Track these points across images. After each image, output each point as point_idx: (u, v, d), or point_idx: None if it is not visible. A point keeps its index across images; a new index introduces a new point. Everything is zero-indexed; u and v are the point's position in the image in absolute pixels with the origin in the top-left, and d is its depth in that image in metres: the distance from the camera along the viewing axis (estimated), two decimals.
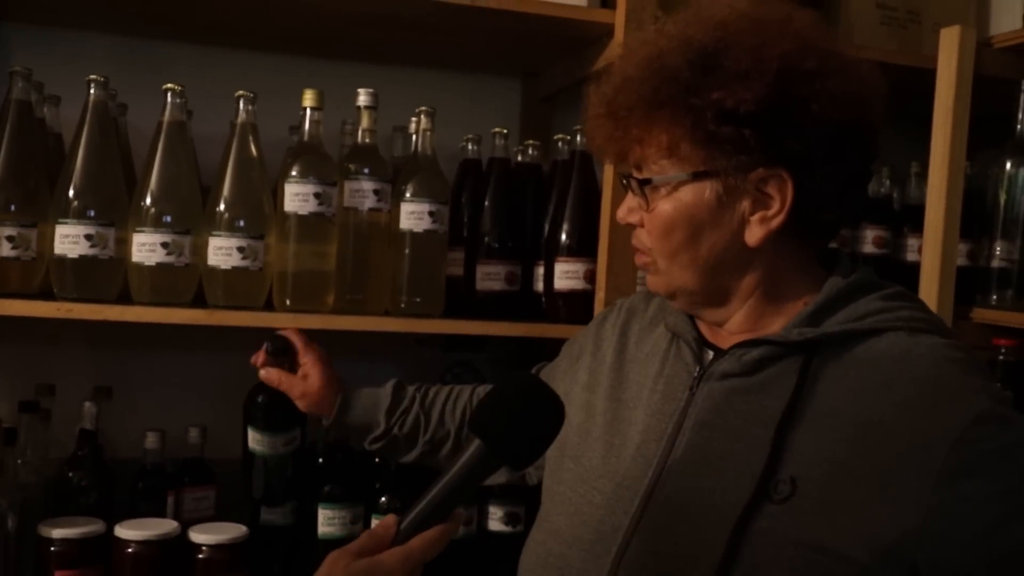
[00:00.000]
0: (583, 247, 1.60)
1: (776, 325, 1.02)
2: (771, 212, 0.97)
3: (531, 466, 1.03)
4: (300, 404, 1.40)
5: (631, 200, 1.04)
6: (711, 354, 1.04)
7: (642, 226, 1.03)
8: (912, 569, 0.86)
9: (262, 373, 1.40)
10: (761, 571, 0.89)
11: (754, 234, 0.98)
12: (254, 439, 1.45)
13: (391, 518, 0.90)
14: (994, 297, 1.62)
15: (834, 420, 0.93)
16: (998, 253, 1.63)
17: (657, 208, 1.00)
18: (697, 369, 1.03)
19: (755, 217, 0.98)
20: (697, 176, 0.97)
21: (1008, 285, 1.60)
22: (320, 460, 1.63)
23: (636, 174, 1.02)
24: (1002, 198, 1.62)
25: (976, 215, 1.68)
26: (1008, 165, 1.61)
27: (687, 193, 0.98)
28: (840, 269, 1.03)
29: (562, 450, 1.12)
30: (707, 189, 0.98)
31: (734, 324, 1.04)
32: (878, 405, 0.92)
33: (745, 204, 0.98)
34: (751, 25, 0.97)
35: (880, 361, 0.94)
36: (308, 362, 1.39)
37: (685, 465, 0.98)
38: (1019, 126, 1.61)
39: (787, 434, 0.93)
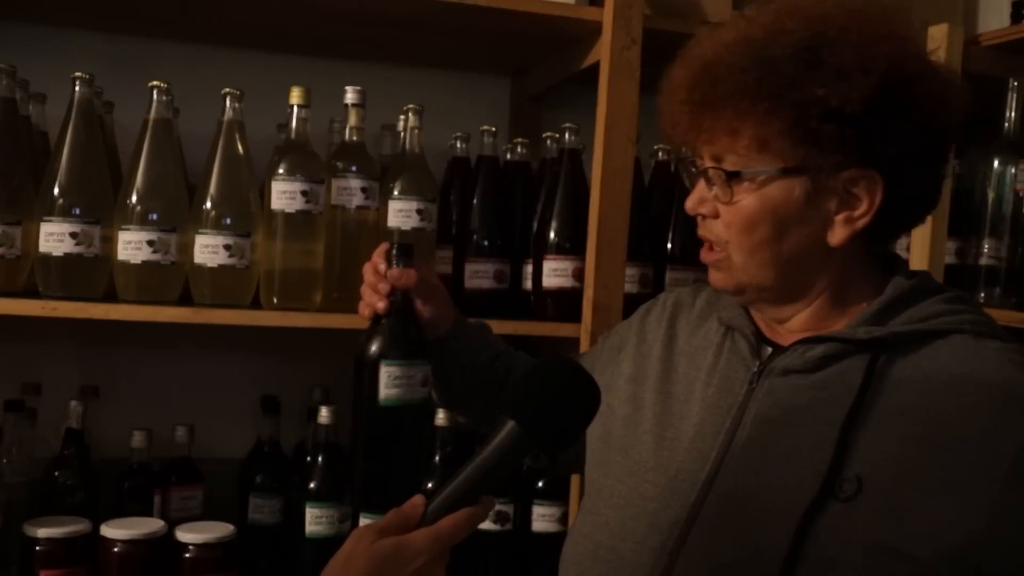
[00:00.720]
0: (571, 245, 1.60)
1: (838, 326, 1.01)
2: (857, 213, 0.97)
3: (563, 452, 1.00)
4: (428, 309, 1.24)
5: (703, 190, 1.01)
6: (769, 350, 1.03)
7: (715, 218, 1.01)
8: (976, 571, 0.87)
9: (396, 273, 1.20)
10: (826, 569, 0.89)
11: (837, 234, 0.98)
12: (391, 381, 1.16)
13: (419, 498, 0.88)
14: (982, 295, 1.62)
15: (901, 419, 0.92)
16: (986, 251, 1.64)
17: (742, 202, 0.97)
18: (756, 364, 1.02)
19: (840, 217, 0.97)
20: (787, 172, 0.96)
21: (996, 283, 1.61)
22: (308, 458, 1.62)
23: (715, 164, 0.98)
24: (990, 196, 1.62)
25: (964, 213, 1.68)
26: (996, 163, 1.61)
27: (776, 188, 0.96)
28: (901, 271, 1.03)
29: (607, 442, 1.11)
30: (796, 186, 0.96)
31: (797, 323, 1.03)
32: (945, 406, 0.92)
33: (832, 203, 0.97)
34: (853, 22, 0.95)
35: (947, 362, 0.94)
36: (423, 267, 1.25)
37: (746, 460, 0.97)
38: (1007, 124, 1.62)
39: (852, 432, 0.92)
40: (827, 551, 0.89)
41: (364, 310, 1.22)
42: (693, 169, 1.03)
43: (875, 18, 0.96)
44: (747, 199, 0.97)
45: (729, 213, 0.99)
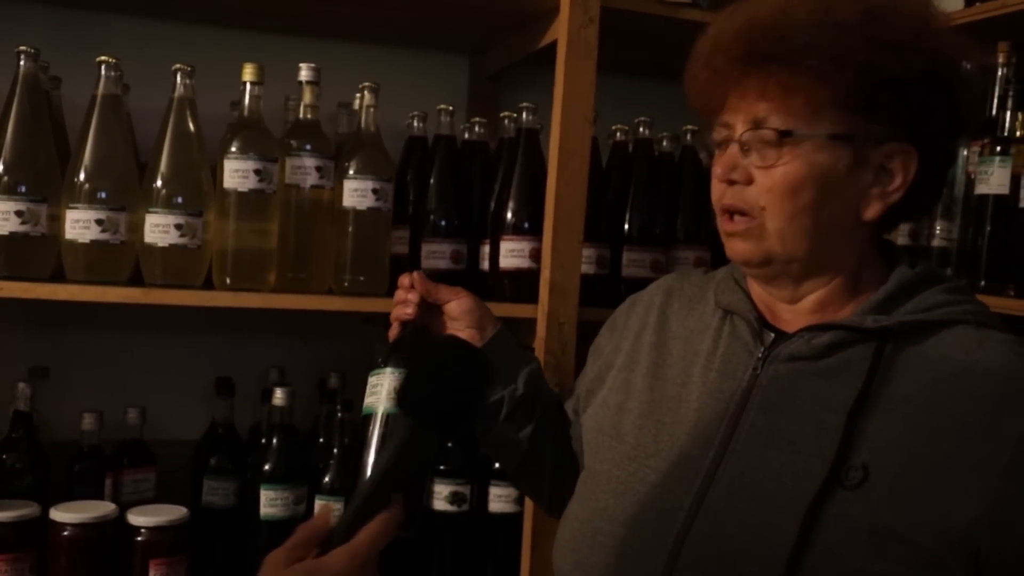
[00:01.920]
0: (529, 226, 1.59)
1: (844, 312, 1.02)
2: (892, 188, 0.98)
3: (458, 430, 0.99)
4: (462, 321, 1.18)
5: (735, 156, 0.99)
6: (771, 335, 1.03)
7: (747, 184, 0.99)
8: (975, 558, 0.88)
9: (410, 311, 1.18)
10: (833, 555, 0.90)
11: (872, 208, 0.99)
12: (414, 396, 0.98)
13: (327, 508, 0.88)
14: None
15: (906, 408, 0.93)
16: (938, 232, 1.65)
17: (787, 166, 0.96)
18: (761, 350, 1.02)
19: (875, 191, 0.98)
20: (836, 138, 0.96)
21: (948, 264, 1.62)
22: (263, 440, 1.61)
23: (757, 124, 0.97)
24: None
25: None
26: None
27: (824, 155, 0.96)
28: (904, 259, 1.04)
29: (600, 428, 1.11)
30: (842, 154, 0.96)
31: (807, 304, 1.04)
32: (950, 395, 0.93)
33: (868, 176, 0.98)
34: (900, 3, 0.98)
35: (951, 352, 0.96)
36: (446, 291, 1.20)
37: (751, 446, 0.97)
38: None
39: (858, 420, 0.93)
40: (834, 538, 0.90)
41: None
42: (723, 134, 1.01)
43: (918, 1, 1.00)
44: (793, 163, 0.97)
45: (771, 177, 0.98)
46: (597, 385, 1.18)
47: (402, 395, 0.88)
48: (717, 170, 1.01)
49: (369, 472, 0.88)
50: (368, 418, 1.06)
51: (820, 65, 0.94)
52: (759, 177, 0.98)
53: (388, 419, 1.02)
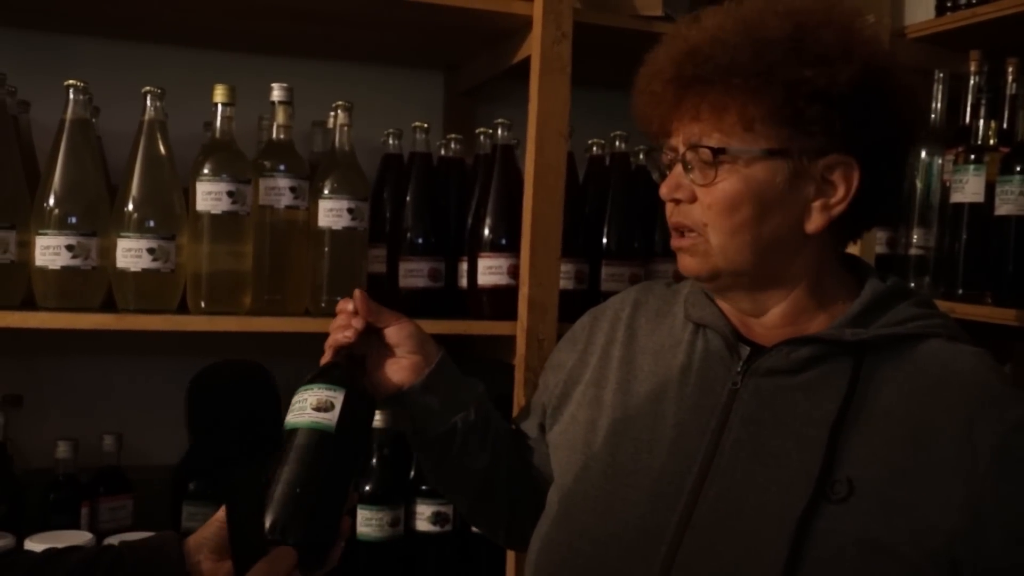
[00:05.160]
0: (506, 242, 1.58)
1: (815, 324, 1.03)
2: (834, 200, 0.99)
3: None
4: (404, 346, 1.11)
5: (679, 176, 1.01)
6: (747, 349, 1.03)
7: (691, 202, 1.01)
8: (955, 567, 0.89)
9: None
10: (823, 570, 0.90)
11: (815, 221, 0.99)
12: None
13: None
14: (912, 284, 1.64)
15: (886, 421, 0.94)
16: (915, 241, 1.65)
17: (725, 183, 0.98)
18: (739, 363, 1.02)
19: (817, 204, 0.99)
20: (772, 153, 0.97)
21: (925, 272, 1.63)
22: None
23: (694, 144, 0.98)
24: (918, 186, 1.64)
25: None
26: (923, 154, 1.62)
27: (760, 170, 0.97)
28: (872, 272, 1.05)
29: (570, 446, 1.10)
30: (779, 169, 0.97)
31: (775, 316, 1.04)
32: (927, 408, 0.94)
33: (810, 189, 0.99)
34: (829, 14, 0.99)
35: (928, 365, 0.97)
36: (389, 315, 1.13)
37: (735, 462, 0.97)
38: (934, 115, 1.63)
39: (840, 434, 0.94)
40: (824, 552, 0.90)
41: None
42: (669, 156, 1.03)
43: (848, 12, 1.00)
44: (730, 180, 0.98)
45: (710, 194, 0.99)
46: (563, 401, 1.16)
47: (344, 415, 0.87)
48: (663, 190, 1.03)
49: (283, 487, 0.88)
50: (293, 433, 0.98)
51: (747, 82, 0.95)
52: (700, 195, 1.00)
53: (326, 436, 0.97)
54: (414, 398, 1.10)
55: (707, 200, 0.99)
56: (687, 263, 1.04)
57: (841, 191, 0.99)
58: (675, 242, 1.04)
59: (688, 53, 0.99)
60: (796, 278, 1.03)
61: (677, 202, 1.02)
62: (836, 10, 0.99)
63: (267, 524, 0.92)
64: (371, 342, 1.12)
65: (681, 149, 1.01)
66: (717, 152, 0.97)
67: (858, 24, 1.00)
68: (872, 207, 1.02)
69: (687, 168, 1.00)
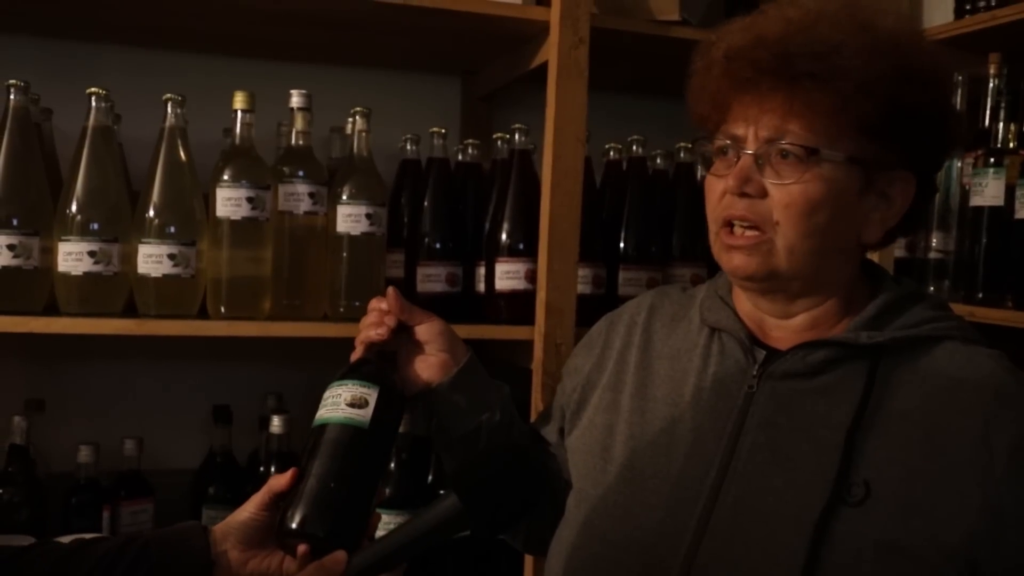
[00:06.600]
0: (524, 247, 1.59)
1: (833, 331, 1.03)
2: (891, 212, 1.00)
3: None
4: (434, 344, 1.13)
5: (748, 168, 0.98)
6: (763, 352, 1.03)
7: (761, 197, 0.98)
8: (973, 569, 0.89)
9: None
10: (841, 573, 0.90)
11: (873, 233, 1.01)
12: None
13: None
14: (931, 288, 1.64)
15: (903, 424, 0.94)
16: (935, 245, 1.65)
17: (809, 184, 0.96)
18: (755, 367, 1.02)
19: (876, 215, 1.00)
20: (854, 161, 0.97)
21: (944, 276, 1.62)
22: (262, 468, 1.60)
23: (780, 140, 0.96)
24: (938, 190, 1.63)
25: None
26: None
27: (841, 176, 0.97)
28: (887, 277, 1.06)
29: (588, 450, 1.10)
30: (855, 177, 0.98)
31: (799, 322, 1.04)
32: (944, 410, 0.94)
33: (871, 200, 1.00)
34: (916, 35, 1.03)
35: (944, 368, 0.97)
36: (420, 313, 1.15)
37: (752, 465, 0.97)
38: None
39: (857, 437, 0.94)
40: (842, 555, 0.90)
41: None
42: (728, 144, 1.00)
43: (929, 38, 1.06)
44: (813, 182, 0.96)
45: (789, 193, 0.97)
46: (581, 405, 1.16)
47: (378, 412, 0.88)
48: (730, 181, 0.99)
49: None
50: (324, 428, 0.99)
51: (851, 88, 0.94)
52: (775, 193, 0.97)
53: (361, 432, 0.98)
54: (442, 395, 1.11)
55: (785, 199, 0.97)
56: (742, 261, 1.00)
57: (898, 205, 1.00)
58: (729, 239, 1.00)
59: (797, 45, 0.95)
60: (837, 286, 1.03)
61: (743, 195, 0.99)
62: (923, 33, 1.04)
63: (298, 518, 0.92)
64: (400, 339, 1.13)
65: (754, 141, 0.98)
66: (811, 152, 0.96)
67: (938, 49, 1.02)
68: (912, 220, 1.04)
69: (758, 162, 0.98)
